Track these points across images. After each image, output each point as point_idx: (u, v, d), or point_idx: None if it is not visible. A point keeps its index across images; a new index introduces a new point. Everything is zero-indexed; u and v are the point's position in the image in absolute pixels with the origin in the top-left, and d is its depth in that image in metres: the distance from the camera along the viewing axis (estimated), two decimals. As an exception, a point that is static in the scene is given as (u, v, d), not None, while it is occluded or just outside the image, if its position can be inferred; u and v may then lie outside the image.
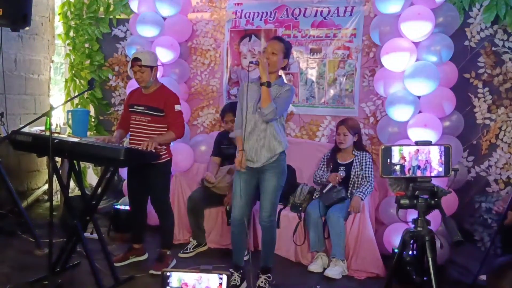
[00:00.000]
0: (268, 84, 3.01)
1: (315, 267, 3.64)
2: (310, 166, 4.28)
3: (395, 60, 3.70)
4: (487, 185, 4.01)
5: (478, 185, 4.03)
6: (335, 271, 3.53)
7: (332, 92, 4.46)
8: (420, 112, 3.75)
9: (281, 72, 3.39)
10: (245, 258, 3.51)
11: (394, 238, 3.58)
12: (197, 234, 4.03)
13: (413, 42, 3.69)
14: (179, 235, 4.18)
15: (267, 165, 3.14)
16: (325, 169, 3.97)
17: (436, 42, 3.67)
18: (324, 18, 4.41)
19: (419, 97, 3.73)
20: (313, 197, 3.93)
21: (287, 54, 3.19)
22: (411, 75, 3.63)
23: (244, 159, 3.15)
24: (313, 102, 4.52)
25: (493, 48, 3.94)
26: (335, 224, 3.61)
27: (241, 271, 3.30)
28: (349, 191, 3.81)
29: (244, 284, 3.30)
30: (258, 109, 3.08)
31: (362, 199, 3.67)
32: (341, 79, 4.41)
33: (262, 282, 3.26)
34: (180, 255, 3.87)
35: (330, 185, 3.77)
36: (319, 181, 3.94)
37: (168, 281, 1.65)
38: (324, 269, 3.60)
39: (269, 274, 3.29)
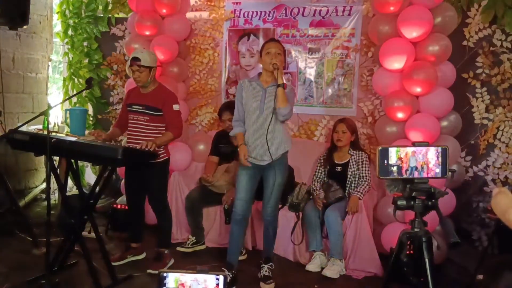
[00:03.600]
0: (284, 86, 3.11)
1: (312, 267, 3.65)
2: (309, 166, 4.29)
3: (394, 59, 3.70)
4: (484, 185, 4.02)
5: (476, 185, 4.04)
6: (333, 270, 3.53)
7: (330, 91, 4.46)
8: (418, 112, 3.75)
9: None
10: (241, 257, 3.53)
11: (392, 238, 3.57)
12: (196, 232, 4.03)
13: (411, 42, 3.69)
14: (177, 234, 4.18)
15: (273, 162, 3.22)
16: (323, 174, 3.96)
17: (434, 42, 3.66)
18: (323, 17, 4.41)
19: (417, 97, 3.73)
20: (311, 196, 3.93)
21: (285, 53, 3.33)
22: (409, 75, 3.63)
23: (246, 152, 3.21)
24: (312, 102, 4.52)
25: (491, 48, 3.94)
26: (333, 223, 3.61)
27: (234, 271, 3.30)
28: (346, 191, 3.82)
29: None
30: (274, 110, 3.15)
31: (360, 199, 3.68)
32: (339, 79, 4.41)
33: (266, 271, 3.39)
34: (179, 248, 3.88)
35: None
36: (314, 192, 3.92)
37: (164, 281, 1.65)
38: (322, 268, 3.61)
39: (271, 263, 3.45)
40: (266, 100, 3.20)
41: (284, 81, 3.13)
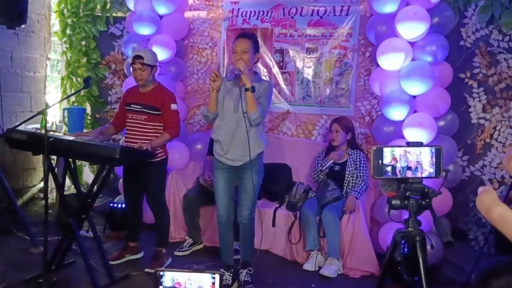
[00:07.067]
0: (253, 89, 2.98)
1: (309, 266, 3.66)
2: (306, 165, 4.30)
3: (391, 59, 3.70)
4: (481, 185, 4.02)
5: (472, 185, 4.05)
6: (330, 269, 3.54)
7: (328, 91, 4.47)
8: (415, 111, 3.76)
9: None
10: (239, 257, 3.53)
11: (389, 237, 3.57)
12: (192, 233, 4.04)
13: (408, 42, 3.70)
14: (175, 233, 4.19)
15: (247, 163, 3.14)
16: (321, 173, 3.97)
17: (432, 42, 3.68)
18: (321, 17, 4.42)
19: (414, 96, 3.75)
20: (309, 196, 3.94)
21: (256, 48, 3.15)
22: (406, 74, 3.65)
23: (220, 83, 3.04)
24: (309, 101, 4.53)
25: (488, 48, 3.95)
26: (330, 223, 3.62)
27: (232, 270, 3.31)
28: (344, 190, 3.83)
29: (236, 284, 3.31)
30: (243, 113, 3.04)
31: (357, 198, 3.69)
32: (337, 78, 4.42)
33: (245, 276, 3.33)
34: (176, 253, 3.88)
35: (330, 162, 3.80)
36: (318, 170, 3.92)
37: (161, 280, 1.66)
38: (319, 267, 3.62)
39: (250, 268, 3.36)
40: (242, 99, 3.04)
41: (263, 78, 2.98)
